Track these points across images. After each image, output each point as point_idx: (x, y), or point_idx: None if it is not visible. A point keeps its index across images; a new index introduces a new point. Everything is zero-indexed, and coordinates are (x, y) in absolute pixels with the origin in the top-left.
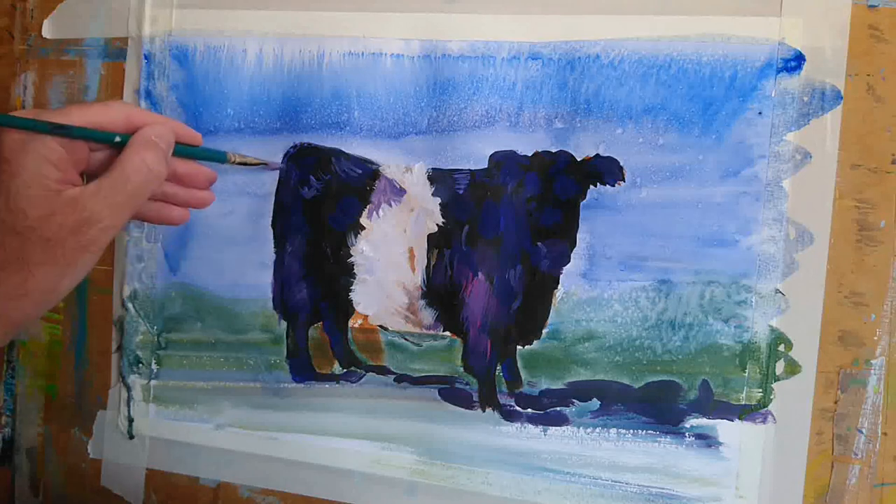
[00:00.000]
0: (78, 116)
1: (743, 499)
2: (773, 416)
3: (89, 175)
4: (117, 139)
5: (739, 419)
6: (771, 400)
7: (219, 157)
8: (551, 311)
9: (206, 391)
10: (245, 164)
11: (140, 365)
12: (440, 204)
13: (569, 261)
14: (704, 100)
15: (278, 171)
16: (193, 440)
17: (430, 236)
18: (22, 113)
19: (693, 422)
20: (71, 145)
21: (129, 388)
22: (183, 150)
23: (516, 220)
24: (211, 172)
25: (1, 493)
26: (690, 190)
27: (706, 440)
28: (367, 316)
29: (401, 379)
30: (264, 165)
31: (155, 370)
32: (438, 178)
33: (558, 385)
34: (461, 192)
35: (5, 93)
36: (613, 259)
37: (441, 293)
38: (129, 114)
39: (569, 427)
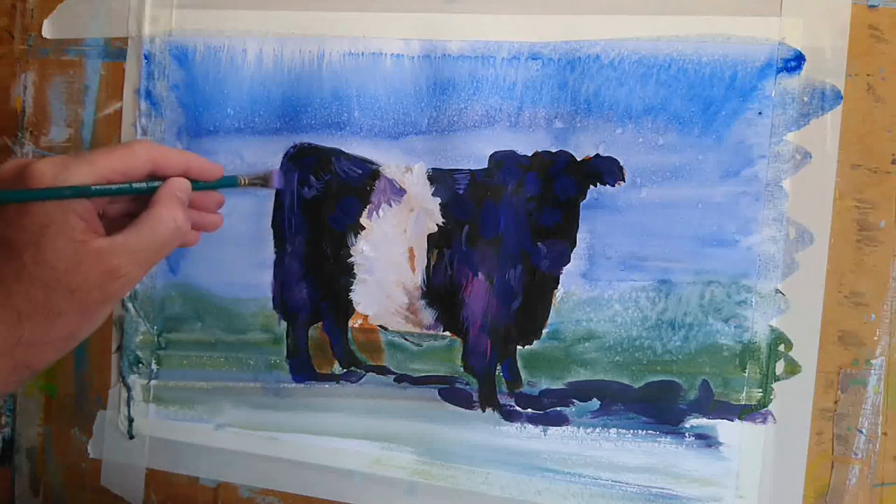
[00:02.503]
0: (103, 163)
1: (743, 499)
2: (773, 416)
3: (106, 217)
4: (141, 186)
5: (739, 419)
6: (771, 400)
7: (232, 183)
8: (551, 311)
9: (206, 391)
10: (254, 185)
11: (140, 365)
12: (440, 204)
13: (569, 261)
14: (704, 100)
15: (277, 179)
16: (193, 440)
17: (430, 236)
18: (46, 164)
19: (693, 422)
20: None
21: (129, 388)
22: (202, 186)
23: (516, 220)
24: (220, 196)
25: (1, 493)
26: (690, 190)
27: (706, 440)
28: (367, 316)
29: (401, 379)
30: (265, 179)
31: (155, 370)
32: (438, 178)
33: (558, 385)
34: (461, 192)
35: (5, 93)
36: (613, 259)
37: (441, 293)
38: (153, 157)
39: (569, 427)
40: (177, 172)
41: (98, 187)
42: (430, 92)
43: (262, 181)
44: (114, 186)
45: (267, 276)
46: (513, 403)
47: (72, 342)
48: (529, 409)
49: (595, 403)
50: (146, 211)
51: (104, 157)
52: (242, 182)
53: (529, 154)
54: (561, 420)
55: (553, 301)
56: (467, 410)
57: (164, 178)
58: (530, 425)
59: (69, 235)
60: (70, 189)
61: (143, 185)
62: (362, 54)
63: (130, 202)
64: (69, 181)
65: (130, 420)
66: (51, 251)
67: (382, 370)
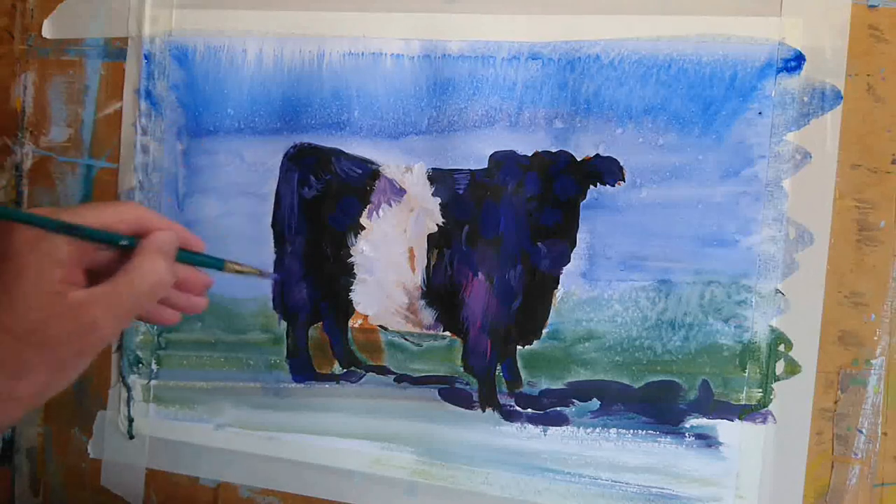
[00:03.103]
0: (90, 217)
1: (743, 499)
2: (773, 416)
3: (91, 273)
4: (124, 242)
5: (739, 419)
6: (771, 400)
7: (217, 265)
8: (551, 311)
9: (206, 391)
10: (241, 272)
11: (140, 365)
12: (440, 204)
13: (569, 261)
14: (704, 100)
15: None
16: (193, 440)
17: (430, 236)
18: (34, 212)
19: (693, 422)
20: (77, 243)
21: (129, 388)
22: (184, 257)
23: (516, 220)
24: (208, 279)
25: (1, 493)
26: (690, 190)
27: (706, 440)
28: (367, 316)
29: (401, 379)
30: (259, 274)
31: (155, 370)
32: (438, 178)
33: (558, 385)
34: (461, 192)
35: (5, 93)
36: (613, 259)
37: (441, 293)
38: (140, 217)
39: (569, 427)
40: None
41: (83, 227)
42: (430, 92)
43: (253, 272)
44: (100, 231)
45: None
46: (513, 403)
47: (39, 400)
48: (529, 409)
49: (595, 403)
50: (127, 262)
51: (92, 211)
52: (229, 267)
53: (529, 154)
54: (561, 420)
55: (553, 301)
56: (467, 410)
57: None
58: (530, 425)
59: (44, 285)
60: (58, 222)
61: (130, 238)
62: (362, 54)
63: (116, 261)
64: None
65: (130, 420)
66: (23, 301)
67: (382, 370)
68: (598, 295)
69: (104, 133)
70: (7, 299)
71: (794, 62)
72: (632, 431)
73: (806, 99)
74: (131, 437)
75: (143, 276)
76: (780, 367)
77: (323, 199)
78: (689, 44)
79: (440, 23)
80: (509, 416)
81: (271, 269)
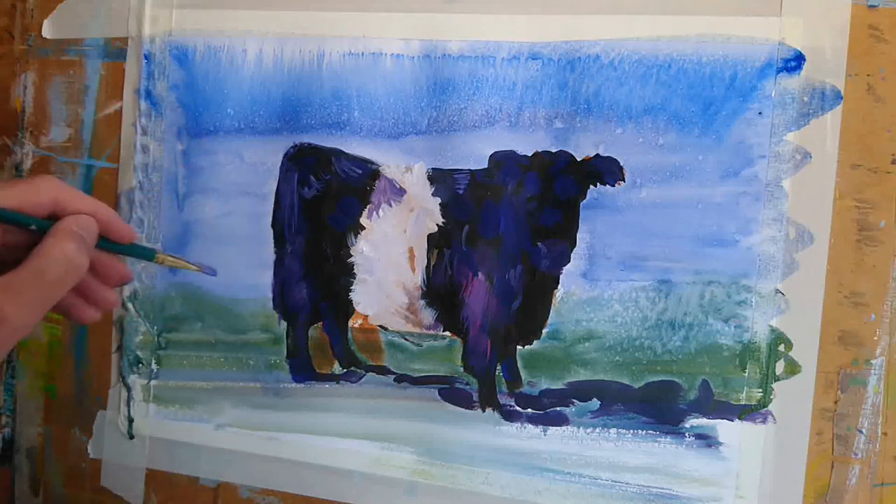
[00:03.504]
0: (1, 197)
1: (743, 499)
2: (773, 416)
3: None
4: (33, 227)
5: (739, 419)
6: (771, 400)
7: (147, 255)
8: (551, 311)
9: (206, 391)
10: (175, 265)
11: (140, 365)
12: (440, 204)
13: (569, 261)
14: (704, 100)
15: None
16: (193, 440)
17: (430, 236)
18: None
19: (693, 422)
20: None
21: (129, 388)
22: (110, 247)
23: (516, 220)
24: (125, 270)
25: (1, 493)
26: (690, 190)
27: (706, 440)
28: (367, 316)
29: (401, 379)
30: (198, 270)
31: (155, 370)
32: (438, 178)
33: (558, 385)
34: (461, 192)
35: (5, 93)
36: (613, 259)
37: (441, 293)
38: (57, 196)
39: (569, 427)
40: None
41: None
42: (430, 92)
43: (189, 266)
44: (8, 213)
45: (267, 276)
46: (513, 403)
47: None
48: (529, 409)
49: (595, 403)
50: (36, 248)
51: (3, 191)
52: (161, 259)
53: (529, 154)
54: (561, 420)
55: (553, 301)
56: (467, 410)
57: None
58: (530, 425)
59: None
60: None
61: (40, 221)
62: (362, 54)
63: (29, 247)
64: None
65: (130, 420)
66: None
67: (382, 370)
68: (598, 295)
69: (104, 133)
70: None
71: (794, 62)
72: (632, 431)
73: (806, 99)
74: (131, 437)
75: (54, 258)
76: (780, 367)
77: (323, 199)
78: (689, 44)
79: (440, 23)
80: (509, 416)
81: (271, 270)
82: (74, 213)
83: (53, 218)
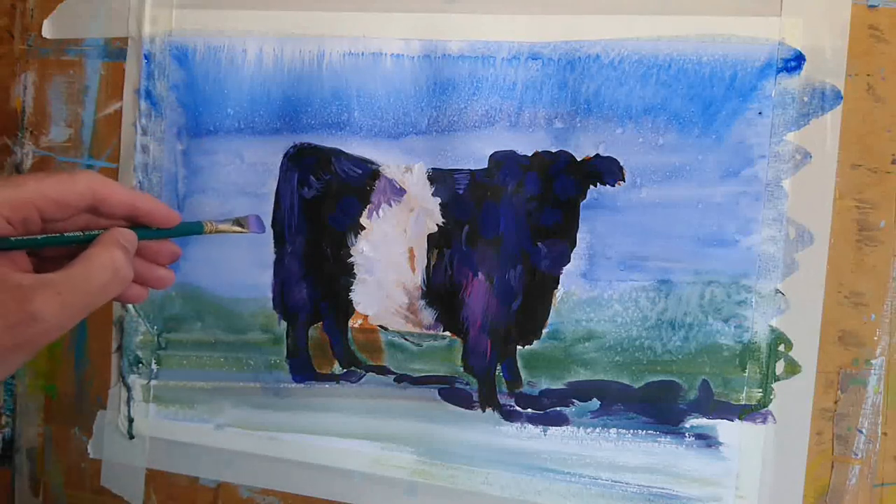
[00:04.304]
0: (34, 187)
1: (743, 499)
2: (773, 416)
3: (40, 258)
4: (68, 235)
5: (739, 419)
6: (771, 400)
7: (196, 230)
8: (551, 311)
9: (206, 391)
10: (226, 232)
11: (140, 365)
12: (440, 204)
13: (569, 261)
14: (704, 100)
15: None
16: (193, 440)
17: (430, 236)
18: None
19: (693, 422)
20: (21, 214)
21: (129, 388)
22: (157, 234)
23: (516, 220)
24: (176, 249)
25: (1, 493)
26: (690, 190)
27: (706, 440)
28: (367, 316)
29: (401, 379)
30: (246, 231)
31: (155, 370)
32: (438, 178)
33: (558, 385)
34: (461, 192)
35: (5, 93)
36: (613, 259)
37: (441, 293)
38: (95, 189)
39: (569, 427)
40: (121, 212)
41: (18, 239)
42: (430, 92)
43: (238, 226)
44: (40, 237)
45: (267, 276)
46: (513, 403)
47: None
48: (529, 409)
49: (595, 403)
50: (84, 251)
51: (37, 182)
52: (209, 228)
53: (529, 154)
54: (561, 420)
55: (553, 301)
56: (467, 410)
57: (106, 217)
58: (530, 425)
59: None
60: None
61: (79, 234)
62: (362, 54)
63: (68, 252)
64: None
65: (130, 420)
66: None
67: (382, 370)
68: (598, 295)
69: (104, 133)
70: None
71: (794, 62)
72: (632, 431)
73: (806, 99)
74: (131, 437)
75: (99, 266)
76: (780, 367)
77: (323, 199)
78: (689, 44)
79: (440, 23)
80: (509, 416)
81: (271, 270)
82: (114, 209)
83: (92, 210)
